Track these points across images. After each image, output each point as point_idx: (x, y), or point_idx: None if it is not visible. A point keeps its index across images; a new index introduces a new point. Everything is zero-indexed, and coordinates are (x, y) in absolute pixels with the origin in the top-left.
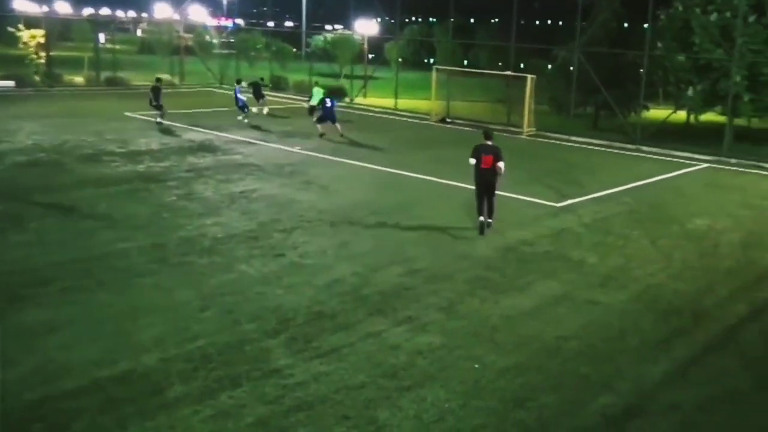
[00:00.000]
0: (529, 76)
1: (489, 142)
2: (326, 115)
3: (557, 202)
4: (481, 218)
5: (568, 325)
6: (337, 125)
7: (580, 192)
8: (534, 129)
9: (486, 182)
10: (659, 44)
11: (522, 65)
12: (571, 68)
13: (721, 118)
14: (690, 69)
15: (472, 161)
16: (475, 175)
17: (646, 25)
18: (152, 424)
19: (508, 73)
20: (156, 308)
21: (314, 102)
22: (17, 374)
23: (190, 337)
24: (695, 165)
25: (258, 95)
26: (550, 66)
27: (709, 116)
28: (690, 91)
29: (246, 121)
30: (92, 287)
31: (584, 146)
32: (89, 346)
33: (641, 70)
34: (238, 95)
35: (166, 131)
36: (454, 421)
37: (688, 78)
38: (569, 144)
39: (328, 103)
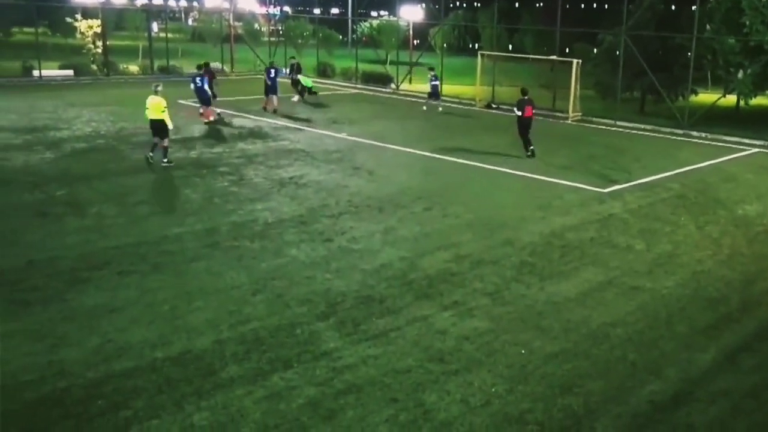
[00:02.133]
0: (575, 61)
1: (526, 97)
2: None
3: (603, 188)
4: (532, 147)
5: (615, 311)
6: (274, 98)
7: (626, 178)
8: (580, 114)
9: (526, 126)
10: (708, 26)
11: (567, 50)
12: (618, 52)
13: None
14: (740, 52)
15: (519, 112)
16: (519, 121)
17: (694, 7)
18: (207, 404)
19: (554, 57)
20: (209, 291)
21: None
22: (80, 353)
23: (242, 320)
24: (745, 150)
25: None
26: (595, 50)
27: (760, 100)
28: (740, 75)
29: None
30: (148, 271)
31: (631, 131)
32: (146, 328)
33: (689, 54)
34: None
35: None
36: (501, 406)
37: (737, 61)
38: (615, 129)
39: (272, 73)
